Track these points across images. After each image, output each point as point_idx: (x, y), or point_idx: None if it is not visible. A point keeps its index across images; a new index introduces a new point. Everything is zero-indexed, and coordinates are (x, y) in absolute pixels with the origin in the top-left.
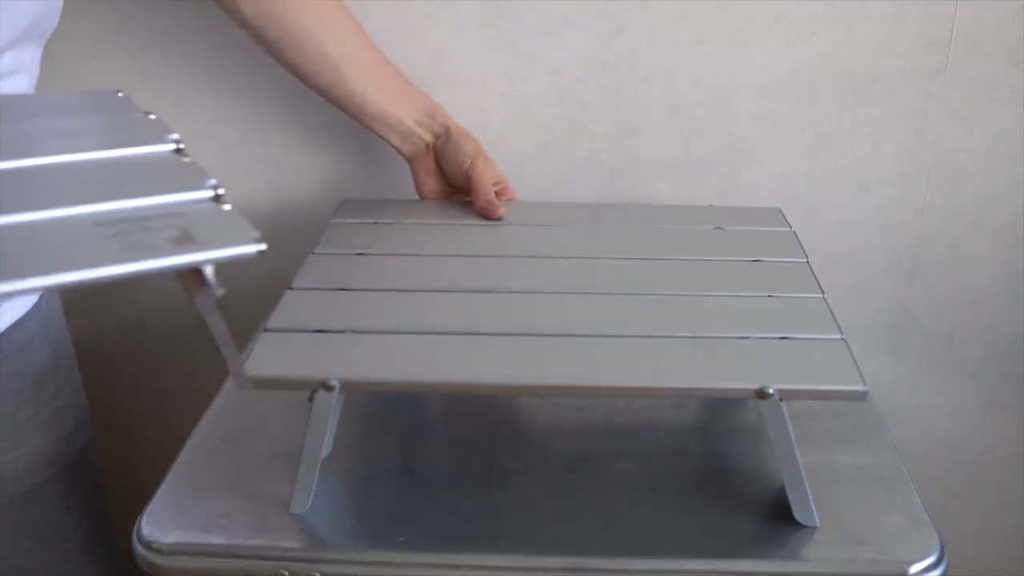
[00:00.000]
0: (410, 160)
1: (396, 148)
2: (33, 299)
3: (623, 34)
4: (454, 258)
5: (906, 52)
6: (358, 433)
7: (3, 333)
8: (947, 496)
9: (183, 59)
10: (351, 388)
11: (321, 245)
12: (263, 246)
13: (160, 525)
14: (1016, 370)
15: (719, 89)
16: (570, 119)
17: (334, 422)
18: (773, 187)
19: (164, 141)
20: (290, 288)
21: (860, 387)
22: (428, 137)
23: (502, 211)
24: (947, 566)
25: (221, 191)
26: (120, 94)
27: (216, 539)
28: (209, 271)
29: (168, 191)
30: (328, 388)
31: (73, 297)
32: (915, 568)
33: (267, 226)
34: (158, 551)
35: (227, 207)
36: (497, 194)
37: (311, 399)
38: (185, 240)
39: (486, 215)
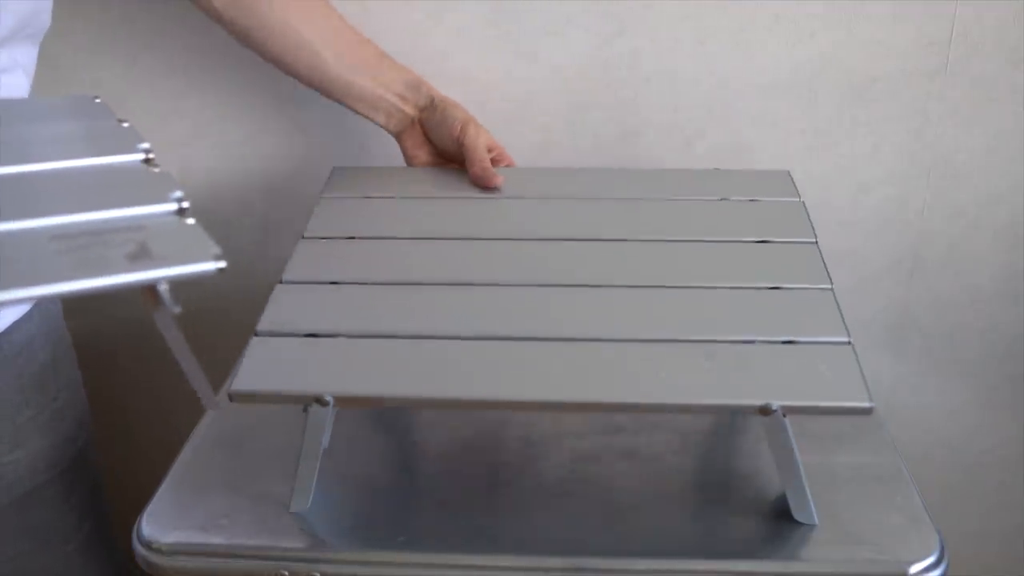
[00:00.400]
0: (398, 136)
1: (383, 126)
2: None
3: (625, 34)
4: (447, 243)
5: (906, 52)
6: (358, 433)
7: (3, 333)
8: (947, 496)
9: (180, 57)
10: (345, 404)
11: (311, 227)
12: (223, 263)
13: (160, 525)
14: (1016, 370)
15: (720, 89)
16: (571, 119)
17: (330, 425)
18: None
19: (134, 150)
20: (280, 282)
21: (866, 403)
22: (412, 111)
23: (498, 180)
24: (947, 566)
25: (186, 204)
26: (98, 100)
27: (216, 539)
28: (164, 288)
29: (131, 203)
30: (322, 403)
31: (71, 299)
32: (915, 568)
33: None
34: (158, 551)
35: (190, 221)
36: (493, 161)
37: (306, 409)
38: (142, 256)
39: (481, 184)
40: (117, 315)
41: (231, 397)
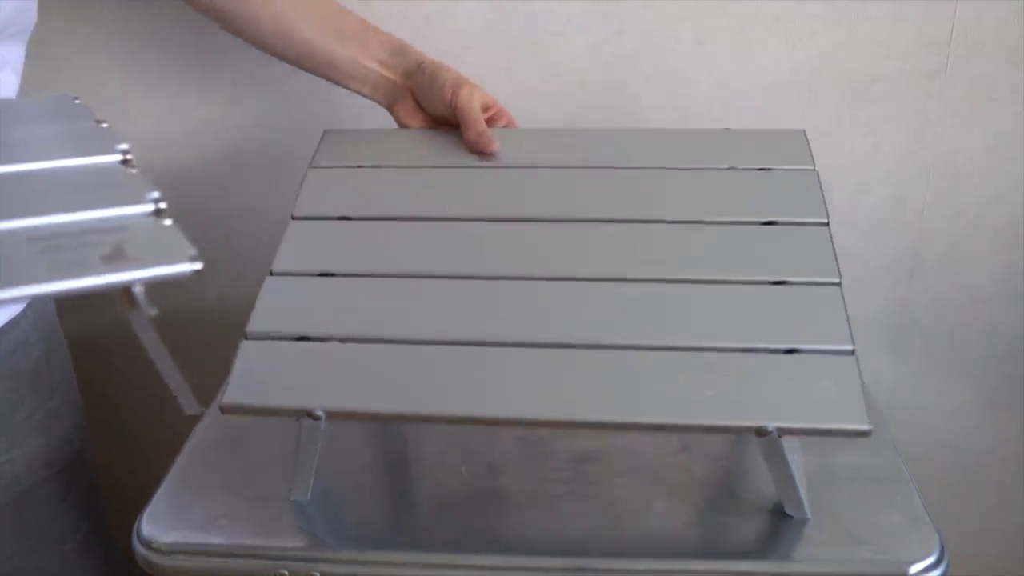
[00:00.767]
0: (390, 108)
1: (371, 98)
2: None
3: (625, 34)
4: (441, 225)
5: (906, 52)
6: (358, 433)
7: None
8: (947, 496)
9: (179, 57)
10: (337, 418)
11: (301, 204)
12: (198, 265)
13: (160, 525)
14: (1016, 370)
15: (720, 89)
16: (571, 119)
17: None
18: None
19: (112, 151)
20: (271, 273)
21: (864, 427)
22: (399, 78)
23: (494, 146)
24: (947, 566)
25: (163, 205)
26: (77, 101)
27: (216, 539)
28: (139, 291)
29: (108, 205)
30: (314, 417)
31: (71, 299)
32: (915, 568)
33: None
34: (158, 551)
35: (167, 222)
36: (490, 120)
37: (299, 420)
38: (117, 257)
39: (477, 151)
40: (113, 315)
41: (222, 410)
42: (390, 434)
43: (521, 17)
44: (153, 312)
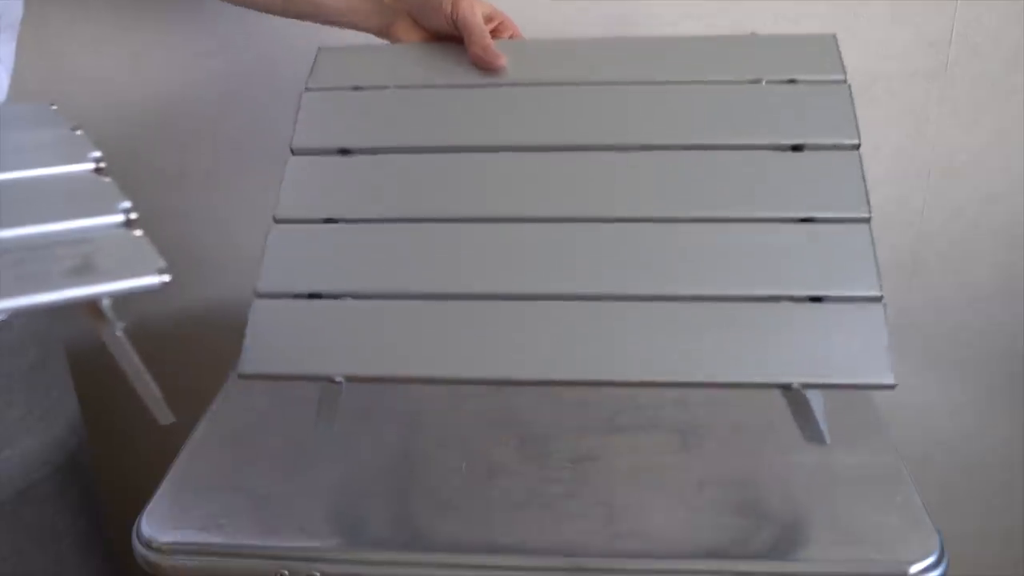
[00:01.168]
0: (384, 31)
1: (365, 28)
2: None
3: (626, 33)
4: (447, 158)
5: (906, 52)
6: (358, 432)
7: None
8: (947, 496)
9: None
10: (357, 381)
11: (299, 135)
12: (167, 277)
13: (160, 525)
14: (1016, 369)
15: None
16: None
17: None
18: None
19: (85, 160)
20: (274, 220)
21: (888, 380)
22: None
23: (501, 61)
24: (947, 566)
25: (134, 215)
26: (54, 107)
27: (216, 539)
28: (107, 304)
29: (78, 216)
30: (333, 382)
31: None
32: (915, 568)
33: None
34: (158, 551)
35: (138, 233)
36: (495, 32)
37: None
38: (83, 271)
39: (483, 67)
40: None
41: (240, 377)
42: (390, 434)
43: (518, 18)
44: (121, 326)
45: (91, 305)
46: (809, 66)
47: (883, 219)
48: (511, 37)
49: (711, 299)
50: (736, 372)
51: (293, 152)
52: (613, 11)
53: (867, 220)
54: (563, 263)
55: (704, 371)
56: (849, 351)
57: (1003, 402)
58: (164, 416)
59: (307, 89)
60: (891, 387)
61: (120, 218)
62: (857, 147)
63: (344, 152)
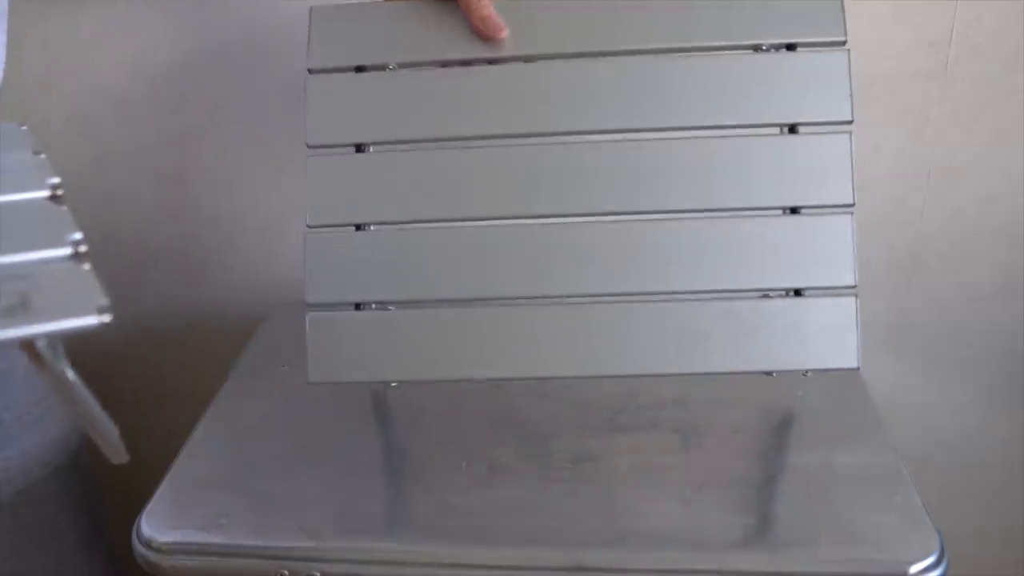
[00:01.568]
0: None
1: None
2: None
3: None
4: (458, 154)
5: (906, 52)
6: (358, 431)
7: None
8: (947, 496)
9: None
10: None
11: (313, 131)
12: (107, 317)
13: (160, 524)
14: (1016, 369)
15: None
16: None
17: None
18: None
19: (41, 187)
20: (308, 226)
21: (853, 364)
22: None
23: (502, 34)
24: (947, 566)
25: (83, 248)
26: (24, 127)
27: (216, 538)
28: (43, 347)
29: (23, 248)
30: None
31: None
32: (915, 568)
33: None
34: (158, 550)
35: (86, 267)
36: None
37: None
38: (19, 310)
39: (484, 38)
40: (116, 316)
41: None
42: (390, 433)
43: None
44: (62, 367)
45: (27, 345)
46: (811, 29)
47: (883, 219)
48: None
49: (699, 295)
50: (722, 363)
51: (309, 147)
52: None
53: (851, 210)
54: (567, 265)
55: (694, 365)
56: (823, 339)
57: (1003, 402)
58: (118, 456)
59: (310, 71)
60: (855, 370)
61: (68, 251)
62: (848, 130)
63: (359, 148)
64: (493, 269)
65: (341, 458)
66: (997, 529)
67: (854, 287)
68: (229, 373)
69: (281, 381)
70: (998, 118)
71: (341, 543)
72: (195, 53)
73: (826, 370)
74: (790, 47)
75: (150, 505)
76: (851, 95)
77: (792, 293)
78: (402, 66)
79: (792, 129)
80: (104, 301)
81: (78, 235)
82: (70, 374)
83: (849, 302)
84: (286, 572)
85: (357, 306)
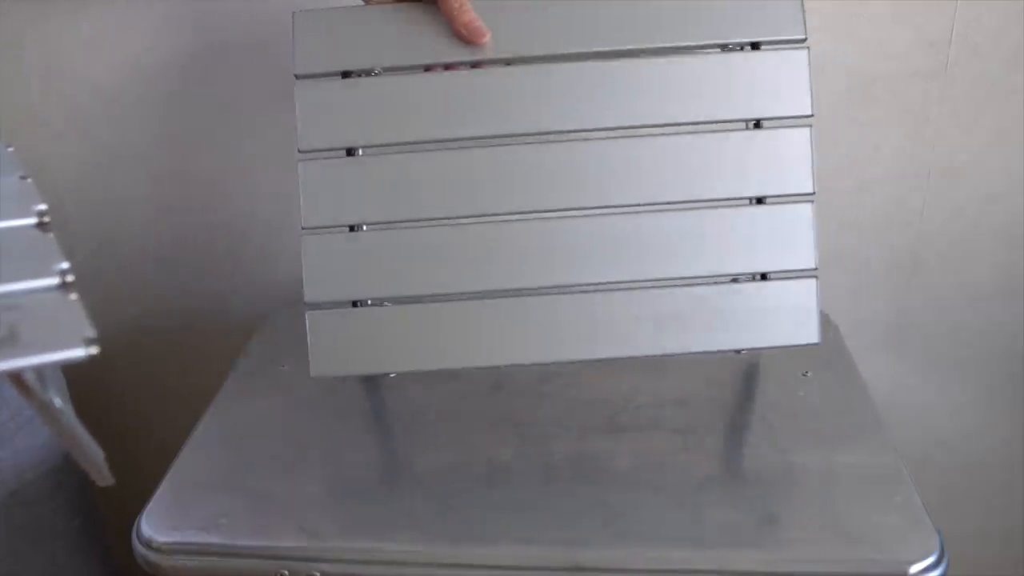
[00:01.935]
0: None
1: None
2: None
3: None
4: (446, 156)
5: (906, 52)
6: (358, 432)
7: None
8: (947, 496)
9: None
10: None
11: (303, 136)
12: (94, 349)
13: (160, 525)
14: (1016, 369)
15: None
16: None
17: None
18: None
19: (28, 214)
20: (303, 229)
21: (814, 340)
22: None
23: (485, 39)
24: (947, 566)
25: (70, 278)
26: (10, 149)
27: (215, 539)
28: (31, 378)
29: (10, 279)
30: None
31: None
32: (915, 568)
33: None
34: (158, 550)
35: (73, 296)
36: None
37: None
38: (7, 342)
39: (466, 43)
40: (116, 316)
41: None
42: (390, 433)
43: None
44: (50, 396)
45: (14, 377)
46: (773, 27)
47: (883, 219)
48: None
49: (673, 281)
50: (695, 343)
51: (300, 151)
52: None
53: (811, 199)
54: (545, 258)
55: (667, 346)
56: (786, 318)
57: (1003, 402)
58: (104, 479)
59: (297, 77)
60: (816, 344)
61: (55, 280)
62: (809, 118)
63: (350, 152)
64: (479, 265)
65: (341, 458)
66: (997, 529)
67: (815, 269)
68: (229, 373)
69: (281, 381)
70: (998, 118)
71: (341, 543)
72: (195, 53)
73: (790, 346)
74: (754, 46)
75: (150, 505)
76: (811, 91)
77: (759, 277)
78: (388, 70)
79: (757, 124)
80: (91, 332)
81: (65, 264)
82: (57, 401)
83: (810, 284)
84: (286, 572)
85: (354, 304)
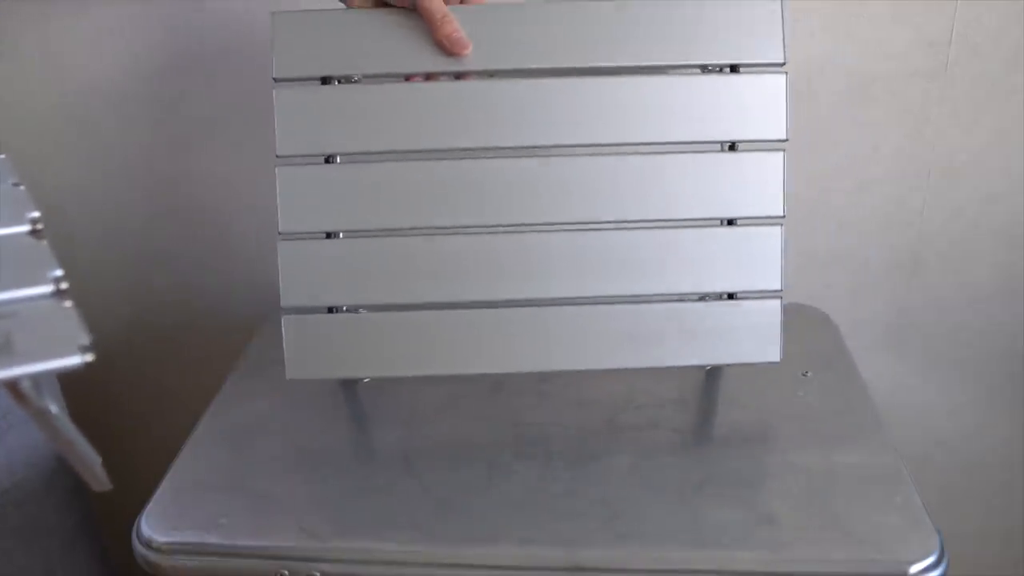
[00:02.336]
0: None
1: None
2: None
3: None
4: (423, 166)
5: (906, 52)
6: (358, 431)
7: None
8: (947, 496)
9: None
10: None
11: (282, 141)
12: (90, 357)
13: (160, 524)
14: (1016, 369)
15: None
16: None
17: None
18: None
19: (21, 221)
20: (280, 234)
21: (775, 358)
22: None
23: (466, 51)
24: (947, 566)
25: (64, 285)
26: (2, 156)
27: (215, 539)
28: (27, 386)
29: (5, 287)
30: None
31: (72, 298)
32: (915, 568)
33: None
34: (158, 550)
35: (67, 304)
36: None
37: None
38: (2, 350)
39: (448, 55)
40: (115, 315)
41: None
42: (389, 433)
43: None
44: (46, 403)
45: (9, 386)
46: (752, 50)
47: (883, 219)
48: None
49: (646, 298)
50: (666, 358)
51: (278, 156)
52: None
53: (780, 223)
54: (524, 272)
55: (640, 359)
56: (751, 336)
57: (1003, 402)
58: (101, 484)
59: (275, 80)
60: (776, 363)
61: (50, 288)
62: (783, 143)
63: (328, 159)
64: (454, 276)
65: (341, 458)
66: (997, 529)
67: (780, 291)
68: (229, 373)
69: (281, 381)
70: (998, 118)
71: (341, 543)
72: (195, 54)
73: (753, 364)
74: (734, 68)
75: (150, 505)
76: (787, 116)
77: (726, 296)
78: (368, 78)
79: (732, 146)
80: (86, 340)
81: (59, 271)
82: (53, 408)
83: (775, 304)
84: (286, 572)
85: (330, 309)
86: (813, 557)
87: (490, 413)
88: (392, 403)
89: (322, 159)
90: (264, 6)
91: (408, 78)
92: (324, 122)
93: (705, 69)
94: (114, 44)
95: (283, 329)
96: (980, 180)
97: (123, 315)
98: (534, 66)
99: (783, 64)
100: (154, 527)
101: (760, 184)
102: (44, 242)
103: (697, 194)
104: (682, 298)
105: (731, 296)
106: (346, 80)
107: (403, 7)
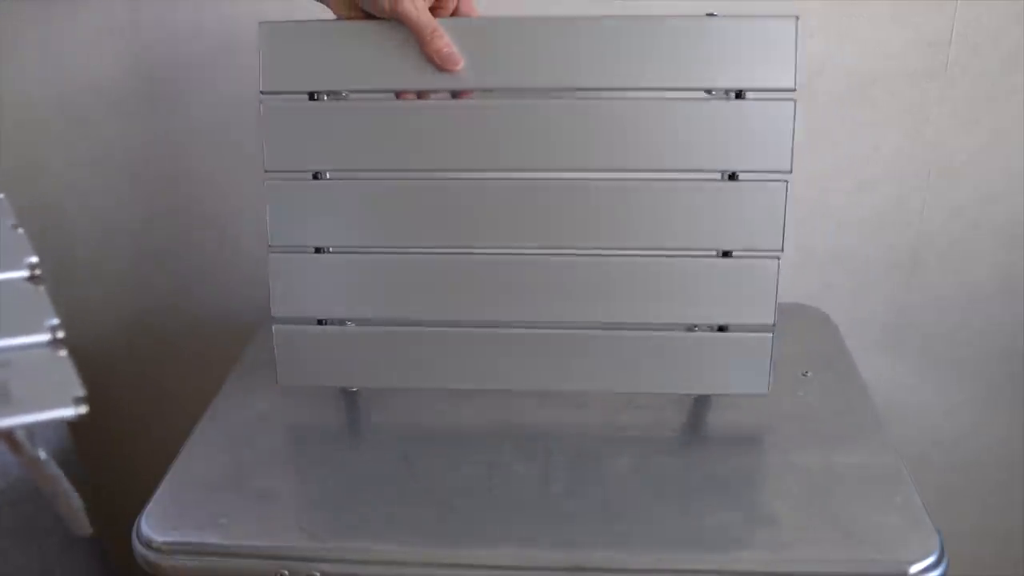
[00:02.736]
0: (327, 2)
1: None
2: None
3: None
4: (409, 184)
5: (906, 52)
6: (358, 432)
7: None
8: (946, 496)
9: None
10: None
11: (270, 157)
12: (83, 409)
13: (160, 524)
14: (1015, 368)
15: None
16: None
17: None
18: None
19: (19, 266)
20: (269, 247)
21: (762, 391)
22: None
23: (458, 67)
24: (947, 566)
25: (60, 334)
26: (1, 196)
27: (216, 538)
28: (21, 435)
29: (2, 334)
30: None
31: (72, 298)
32: (915, 568)
33: None
34: (158, 550)
35: (62, 353)
36: (440, 9)
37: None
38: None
39: (439, 69)
40: (116, 316)
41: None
42: (389, 434)
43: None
44: (37, 451)
45: (4, 434)
46: (761, 74)
47: (883, 219)
48: (456, 11)
49: (639, 327)
50: (655, 385)
51: (267, 171)
52: None
53: (777, 258)
54: (525, 296)
55: (631, 384)
56: (741, 367)
57: (1002, 402)
58: (83, 528)
59: (262, 93)
60: (764, 395)
61: (46, 337)
62: (786, 180)
63: (316, 176)
64: (442, 294)
65: (341, 458)
66: (996, 528)
67: (773, 325)
68: (229, 373)
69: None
70: (998, 118)
71: (341, 543)
72: (195, 54)
73: (740, 395)
74: (739, 94)
75: (150, 505)
76: (792, 146)
77: (717, 328)
78: (355, 93)
79: (732, 176)
80: (80, 392)
81: (55, 320)
82: (42, 454)
83: (766, 338)
84: (286, 572)
85: (319, 321)
86: (813, 557)
87: (490, 413)
88: (392, 404)
89: (310, 175)
90: (264, 7)
91: (399, 95)
92: (312, 137)
93: (709, 92)
94: (114, 44)
95: (274, 338)
96: (979, 180)
97: (123, 315)
98: (529, 85)
99: (793, 91)
100: (154, 527)
101: (760, 216)
102: (42, 288)
103: (694, 223)
104: (673, 327)
105: (722, 328)
106: (335, 96)
107: (394, 20)
